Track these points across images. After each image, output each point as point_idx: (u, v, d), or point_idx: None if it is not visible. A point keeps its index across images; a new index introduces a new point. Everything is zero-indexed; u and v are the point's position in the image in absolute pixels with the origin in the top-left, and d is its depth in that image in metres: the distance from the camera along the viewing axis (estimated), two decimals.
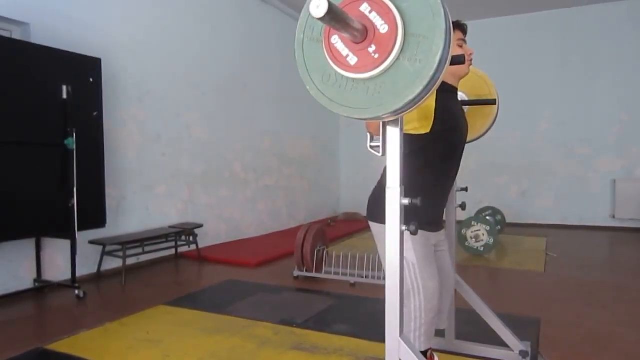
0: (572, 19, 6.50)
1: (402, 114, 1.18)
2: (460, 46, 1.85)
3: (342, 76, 1.17)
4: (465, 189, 2.19)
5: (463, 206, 2.15)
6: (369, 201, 1.88)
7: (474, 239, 4.65)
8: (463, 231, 4.66)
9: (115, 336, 2.60)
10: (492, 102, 2.16)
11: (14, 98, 3.06)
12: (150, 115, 4.47)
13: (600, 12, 6.35)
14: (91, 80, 3.57)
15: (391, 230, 1.35)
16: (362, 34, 1.11)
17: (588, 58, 6.45)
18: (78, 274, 3.44)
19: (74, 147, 3.28)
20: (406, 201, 1.29)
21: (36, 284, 3.45)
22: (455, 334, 2.27)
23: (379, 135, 1.52)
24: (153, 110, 4.50)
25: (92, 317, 2.97)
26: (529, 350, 2.12)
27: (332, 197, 8.04)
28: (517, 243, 5.40)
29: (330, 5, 0.94)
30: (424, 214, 1.75)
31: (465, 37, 1.88)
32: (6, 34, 3.39)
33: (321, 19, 0.97)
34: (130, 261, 3.99)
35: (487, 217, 5.31)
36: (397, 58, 1.11)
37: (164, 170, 4.63)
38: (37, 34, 3.46)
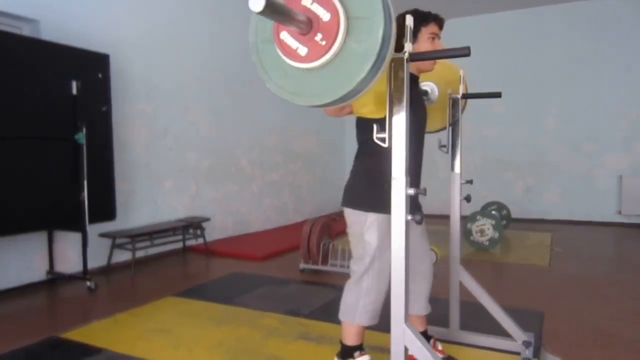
0: (579, 14, 6.47)
1: (359, 95, 1.27)
2: (432, 39, 1.84)
3: (298, 68, 1.25)
4: (470, 182, 2.22)
5: (468, 198, 2.18)
6: (345, 189, 1.96)
7: (479, 233, 4.67)
8: (468, 225, 4.68)
9: (125, 326, 2.66)
10: (497, 95, 2.18)
11: (25, 94, 3.11)
12: (157, 110, 4.52)
13: (608, 6, 6.30)
14: (100, 75, 3.62)
15: (396, 221, 1.38)
16: (307, 25, 1.18)
17: (595, 54, 6.41)
18: (89, 266, 3.50)
19: (84, 141, 3.34)
20: (412, 191, 1.32)
21: (49, 276, 3.52)
22: (459, 325, 2.30)
23: (337, 116, 1.70)
24: (160, 105, 4.55)
25: (103, 307, 3.04)
26: (532, 340, 2.14)
27: (338, 192, 8.00)
28: (523, 238, 5.41)
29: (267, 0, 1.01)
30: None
31: (440, 31, 1.86)
32: (16, 31, 3.45)
33: (261, 13, 1.04)
34: (139, 254, 4.06)
35: (493, 212, 5.32)
36: (344, 42, 1.18)
37: (171, 165, 4.68)
38: (47, 30, 3.51)
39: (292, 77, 1.28)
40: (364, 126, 1.85)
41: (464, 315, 2.31)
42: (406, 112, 1.33)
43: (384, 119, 1.74)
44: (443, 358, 2.09)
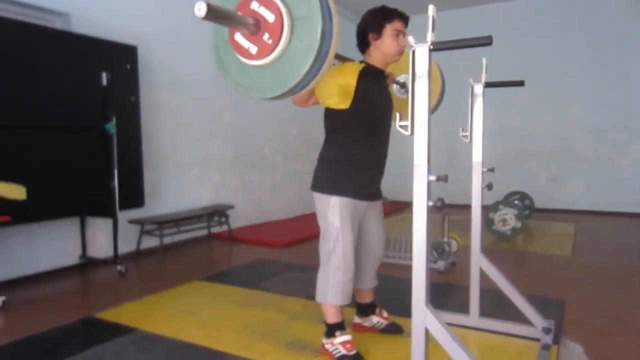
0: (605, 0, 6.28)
1: (308, 87, 1.41)
2: (397, 35, 1.93)
3: (251, 65, 1.39)
4: (492, 170, 2.23)
5: (490, 186, 2.19)
6: (313, 174, 2.05)
7: (501, 223, 4.64)
8: (490, 215, 4.66)
9: (155, 307, 2.78)
10: (520, 84, 2.18)
11: (58, 85, 3.23)
12: (182, 101, 4.62)
13: None
14: (128, 67, 3.73)
15: (418, 207, 1.42)
16: (256, 27, 1.32)
17: (622, 41, 6.22)
18: (119, 251, 3.64)
19: (114, 131, 3.46)
20: (433, 178, 1.36)
21: (81, 260, 3.69)
22: (479, 312, 2.33)
23: (304, 106, 1.88)
24: (185, 96, 4.65)
25: (133, 290, 3.18)
26: (552, 327, 2.16)
27: None
28: (546, 228, 5.35)
29: (209, 6, 1.13)
30: (357, 185, 1.97)
31: (405, 28, 1.95)
32: (48, 24, 3.57)
33: (205, 18, 1.15)
34: (166, 240, 4.19)
35: (515, 201, 5.27)
36: (290, 40, 1.31)
37: (196, 154, 4.79)
38: (77, 23, 3.63)
39: (247, 73, 1.42)
40: (330, 116, 1.98)
41: (484, 302, 2.34)
42: (429, 101, 1.36)
43: (349, 109, 1.89)
44: (388, 324, 2.28)
